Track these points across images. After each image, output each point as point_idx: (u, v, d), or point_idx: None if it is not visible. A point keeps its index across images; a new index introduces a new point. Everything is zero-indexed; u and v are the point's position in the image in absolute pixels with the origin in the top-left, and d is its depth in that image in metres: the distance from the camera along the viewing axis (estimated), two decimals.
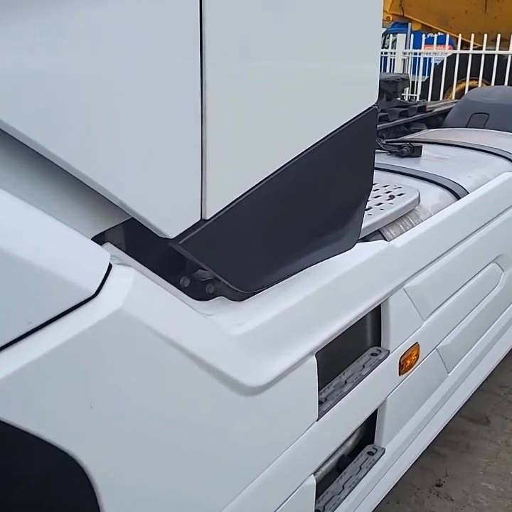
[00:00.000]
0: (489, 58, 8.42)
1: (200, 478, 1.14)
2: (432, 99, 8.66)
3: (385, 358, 1.69)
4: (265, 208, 1.19)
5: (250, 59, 1.07)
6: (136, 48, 0.89)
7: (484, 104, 3.58)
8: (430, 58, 10.12)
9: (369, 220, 1.74)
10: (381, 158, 2.54)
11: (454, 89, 8.75)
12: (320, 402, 1.45)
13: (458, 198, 2.17)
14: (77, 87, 0.83)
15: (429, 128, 3.61)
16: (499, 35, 8.12)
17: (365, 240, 1.69)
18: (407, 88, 7.02)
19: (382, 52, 8.77)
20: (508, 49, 8.24)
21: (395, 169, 2.29)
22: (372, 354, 1.70)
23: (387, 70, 9.75)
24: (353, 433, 1.71)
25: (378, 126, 3.02)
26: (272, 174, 1.17)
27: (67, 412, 0.88)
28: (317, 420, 1.44)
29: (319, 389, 1.43)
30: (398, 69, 9.65)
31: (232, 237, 1.15)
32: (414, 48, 10.35)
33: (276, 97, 1.14)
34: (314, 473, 1.48)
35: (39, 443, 0.85)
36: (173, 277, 1.17)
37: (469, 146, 2.79)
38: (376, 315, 1.70)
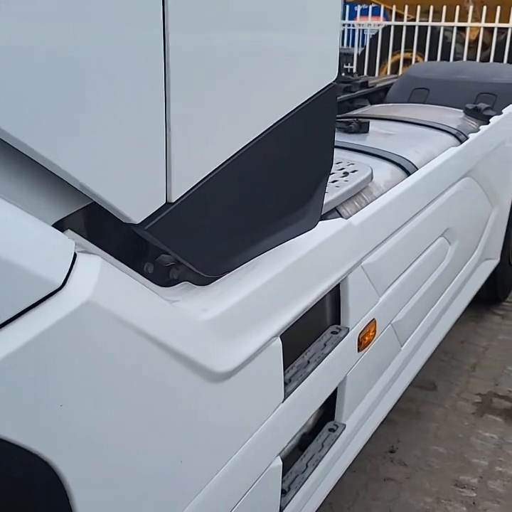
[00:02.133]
0: (423, 30, 8.53)
1: (170, 467, 1.11)
2: (368, 72, 8.75)
3: (345, 335, 1.70)
4: (228, 190, 1.16)
5: (211, 32, 1.02)
6: (96, 20, 0.83)
7: (424, 80, 3.62)
8: (364, 30, 10.16)
9: (325, 198, 1.72)
10: None
11: (389, 61, 8.85)
12: (285, 384, 1.44)
13: (408, 173, 2.19)
14: (30, 60, 0.76)
15: (371, 104, 3.62)
16: (432, 7, 8.24)
17: (323, 218, 1.67)
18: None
19: None
20: (440, 20, 8.38)
21: (344, 146, 2.28)
22: (332, 332, 1.69)
23: None
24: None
25: None
26: (234, 155, 1.14)
27: (36, 412, 0.83)
28: (283, 402, 1.43)
29: (283, 370, 1.42)
30: None
31: (197, 221, 1.11)
32: (349, 19, 10.38)
33: (236, 73, 1.10)
34: (279, 454, 1.48)
35: (7, 446, 0.80)
36: (136, 264, 1.12)
37: (414, 121, 2.81)
38: (335, 293, 1.70)
